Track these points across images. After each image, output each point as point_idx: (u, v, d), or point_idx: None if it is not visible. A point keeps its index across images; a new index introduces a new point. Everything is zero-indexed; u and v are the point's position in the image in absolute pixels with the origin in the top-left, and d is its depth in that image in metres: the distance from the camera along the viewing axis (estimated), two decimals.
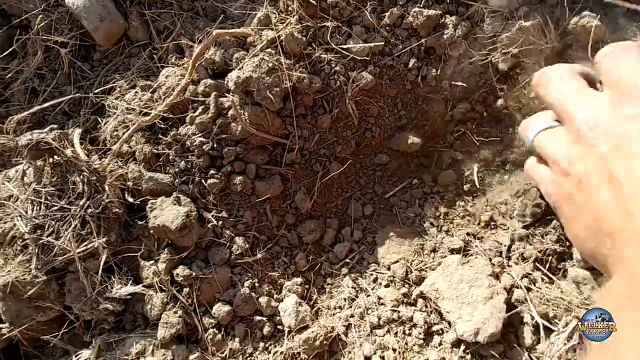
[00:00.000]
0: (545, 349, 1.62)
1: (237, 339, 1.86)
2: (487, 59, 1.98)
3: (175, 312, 1.82)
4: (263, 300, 1.91)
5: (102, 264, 1.79)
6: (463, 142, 2.16)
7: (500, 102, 2.03)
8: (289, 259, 2.07)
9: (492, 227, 1.99)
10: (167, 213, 1.85)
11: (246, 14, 2.17)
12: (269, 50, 1.90)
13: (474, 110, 2.10)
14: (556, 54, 1.93)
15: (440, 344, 1.73)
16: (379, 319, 1.83)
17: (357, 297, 1.94)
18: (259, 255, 1.98)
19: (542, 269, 1.80)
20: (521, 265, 1.81)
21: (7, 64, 2.43)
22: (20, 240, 1.81)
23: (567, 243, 1.82)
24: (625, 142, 0.61)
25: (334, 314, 1.93)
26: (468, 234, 1.96)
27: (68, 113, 2.37)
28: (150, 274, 1.85)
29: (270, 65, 1.84)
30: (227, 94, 1.97)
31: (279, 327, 1.91)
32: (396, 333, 1.80)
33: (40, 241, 1.76)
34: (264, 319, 1.90)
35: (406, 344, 1.77)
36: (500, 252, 1.88)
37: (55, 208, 1.82)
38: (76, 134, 2.06)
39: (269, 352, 1.85)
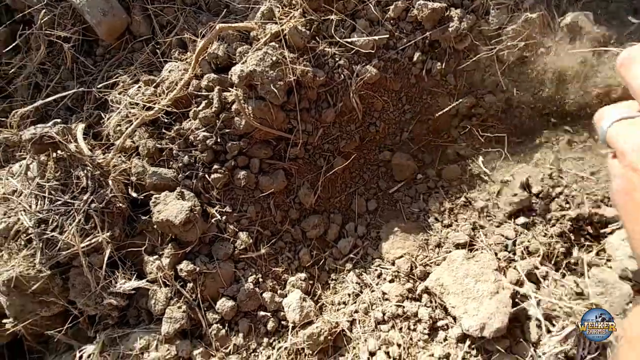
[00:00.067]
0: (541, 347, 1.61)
1: (241, 335, 1.86)
2: (493, 52, 1.96)
3: (179, 307, 1.81)
4: (267, 295, 1.91)
5: (106, 258, 1.79)
6: (468, 137, 2.14)
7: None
8: (292, 254, 2.07)
9: (486, 215, 1.99)
10: (171, 208, 1.84)
11: (249, 8, 2.16)
12: (273, 44, 1.89)
13: (479, 105, 2.09)
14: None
15: (445, 339, 1.73)
16: (384, 314, 1.82)
17: (361, 292, 1.94)
18: (262, 251, 1.98)
19: (548, 264, 1.79)
20: (527, 260, 1.79)
21: (10, 59, 2.43)
22: (25, 234, 1.81)
23: (571, 237, 1.81)
24: None
25: (338, 310, 1.92)
26: (474, 227, 1.95)
27: (71, 108, 2.36)
28: (154, 269, 1.84)
29: (274, 59, 1.83)
30: (230, 88, 1.96)
31: (283, 322, 1.91)
32: (401, 328, 1.79)
33: (45, 236, 1.76)
34: (268, 314, 1.90)
35: (411, 339, 1.76)
36: (506, 246, 1.86)
37: (59, 202, 1.82)
38: (79, 128, 2.05)
39: (273, 348, 1.85)
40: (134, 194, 1.97)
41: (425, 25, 1.97)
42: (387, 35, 1.96)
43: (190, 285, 1.85)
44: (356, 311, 1.87)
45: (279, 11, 1.97)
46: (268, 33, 1.92)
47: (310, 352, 1.78)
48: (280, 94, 1.83)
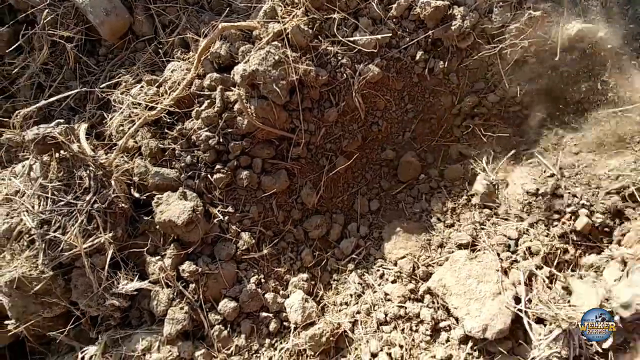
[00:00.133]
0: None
1: (243, 336, 1.85)
2: (496, 50, 1.95)
3: (182, 308, 1.81)
4: (269, 296, 1.90)
5: (108, 259, 1.79)
6: (470, 136, 2.13)
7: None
8: (295, 254, 2.06)
9: (489, 215, 1.98)
10: (174, 208, 1.84)
11: (252, 7, 2.15)
12: (275, 43, 1.88)
13: (482, 105, 2.07)
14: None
15: (447, 341, 1.72)
16: (386, 315, 1.82)
17: (363, 293, 1.93)
18: (265, 251, 1.97)
19: (550, 266, 1.77)
20: (529, 261, 1.78)
21: (13, 59, 2.43)
22: (27, 235, 1.81)
23: (574, 237, 1.80)
24: None
25: (340, 310, 1.91)
26: (476, 228, 1.94)
27: (74, 108, 2.36)
28: (157, 270, 1.84)
29: (277, 58, 1.82)
30: (233, 88, 1.95)
31: (285, 323, 1.90)
32: (403, 329, 1.79)
33: (47, 236, 1.76)
34: (270, 315, 1.90)
35: (413, 340, 1.76)
36: (509, 246, 1.85)
37: (62, 203, 1.82)
38: (82, 128, 2.05)
39: (275, 349, 1.84)
40: (137, 194, 1.97)
41: (427, 23, 1.96)
42: (390, 34, 1.95)
43: (192, 286, 1.85)
44: (358, 312, 1.86)
45: (281, 10, 1.96)
46: (270, 32, 1.91)
47: (312, 353, 1.78)
48: (282, 93, 1.83)
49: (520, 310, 1.62)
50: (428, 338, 1.74)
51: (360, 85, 1.96)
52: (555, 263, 1.78)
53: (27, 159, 1.94)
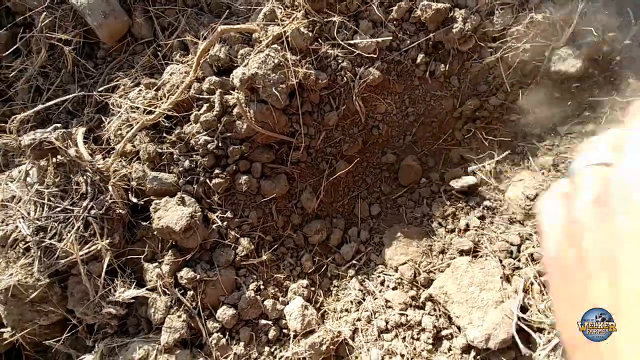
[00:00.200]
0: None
1: (241, 344, 1.83)
2: (497, 53, 1.92)
3: (179, 316, 1.79)
4: (268, 303, 1.88)
5: (105, 266, 1.77)
6: (472, 140, 2.11)
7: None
8: (294, 260, 2.04)
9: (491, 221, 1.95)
10: (172, 214, 1.82)
11: (251, 10, 2.13)
12: (275, 46, 1.86)
13: (484, 108, 2.05)
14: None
15: (449, 350, 1.69)
16: (387, 323, 1.79)
17: (364, 299, 1.90)
18: (264, 257, 1.95)
19: None
20: (530, 267, 1.75)
21: (11, 62, 2.41)
22: (23, 242, 1.78)
23: None
24: None
25: (340, 318, 1.89)
26: (478, 233, 1.91)
27: (72, 112, 2.34)
28: (154, 277, 1.82)
29: (276, 61, 1.80)
30: (232, 91, 1.93)
31: (284, 330, 1.88)
32: (404, 338, 1.76)
33: (43, 244, 1.74)
34: (270, 322, 1.87)
35: (414, 349, 1.73)
36: (511, 253, 1.82)
37: (58, 209, 1.80)
38: (80, 133, 2.03)
39: (275, 357, 1.82)
40: (134, 200, 1.94)
41: (428, 26, 1.94)
42: (390, 37, 1.93)
43: (190, 293, 1.82)
44: (359, 319, 1.84)
45: (281, 12, 1.94)
46: (270, 35, 1.89)
47: None
48: (282, 97, 1.80)
49: (520, 319, 1.60)
50: (430, 347, 1.71)
51: (360, 89, 1.94)
52: None
53: (24, 164, 1.92)
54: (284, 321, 1.87)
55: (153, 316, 1.80)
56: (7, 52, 2.38)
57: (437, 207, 2.04)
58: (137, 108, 2.02)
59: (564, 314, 0.55)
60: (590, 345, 0.51)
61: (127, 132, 2.01)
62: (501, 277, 1.70)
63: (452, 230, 1.98)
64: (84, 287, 1.76)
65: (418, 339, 1.74)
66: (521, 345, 1.54)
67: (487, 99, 2.03)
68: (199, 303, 1.82)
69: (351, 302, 1.91)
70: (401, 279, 1.88)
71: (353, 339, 1.80)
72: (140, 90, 2.10)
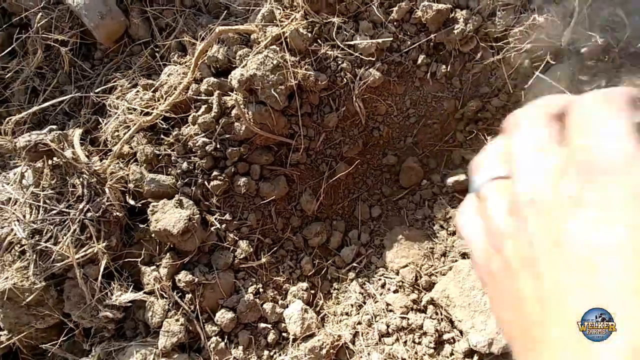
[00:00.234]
0: None
1: (240, 347, 1.80)
2: (499, 54, 1.91)
3: (177, 320, 1.77)
4: (267, 306, 1.86)
5: (101, 269, 1.74)
6: (474, 141, 2.09)
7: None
8: (294, 262, 2.02)
9: None
10: (169, 216, 1.79)
11: (250, 10, 2.11)
12: (274, 47, 1.84)
13: (485, 109, 2.03)
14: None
15: (451, 354, 1.68)
16: (388, 326, 1.77)
17: (364, 303, 1.88)
18: (263, 260, 1.93)
19: None
20: None
21: (6, 63, 2.38)
22: (18, 245, 1.76)
23: None
24: (553, 230, 0.50)
25: (340, 321, 1.87)
26: None
27: (69, 113, 2.32)
28: (152, 280, 1.80)
29: (275, 62, 1.78)
30: (230, 93, 1.91)
31: (284, 334, 1.86)
32: (405, 342, 1.74)
33: (39, 247, 1.71)
34: (269, 326, 1.85)
35: (416, 353, 1.71)
36: None
37: (54, 212, 1.77)
38: (76, 134, 2.01)
39: None
40: (132, 202, 1.92)
41: (429, 27, 1.92)
42: (391, 38, 1.91)
43: (188, 296, 1.80)
44: (359, 323, 1.82)
45: (280, 13, 1.92)
46: (269, 36, 1.87)
47: None
48: (281, 98, 1.79)
49: None
50: (431, 351, 1.69)
51: (360, 90, 1.92)
52: None
53: (20, 166, 1.90)
54: (283, 324, 1.85)
55: (151, 320, 1.78)
56: (3, 53, 2.35)
57: (438, 209, 2.03)
58: (135, 109, 2.00)
59: (499, 314, 0.61)
60: (526, 336, 0.55)
61: (125, 134, 1.99)
62: None
63: (454, 233, 1.96)
64: (81, 290, 1.73)
65: (419, 343, 1.72)
66: None
67: (489, 100, 2.01)
68: (197, 306, 1.80)
69: (351, 305, 1.89)
70: (402, 282, 1.86)
71: (353, 343, 1.78)
72: (138, 91, 2.08)
